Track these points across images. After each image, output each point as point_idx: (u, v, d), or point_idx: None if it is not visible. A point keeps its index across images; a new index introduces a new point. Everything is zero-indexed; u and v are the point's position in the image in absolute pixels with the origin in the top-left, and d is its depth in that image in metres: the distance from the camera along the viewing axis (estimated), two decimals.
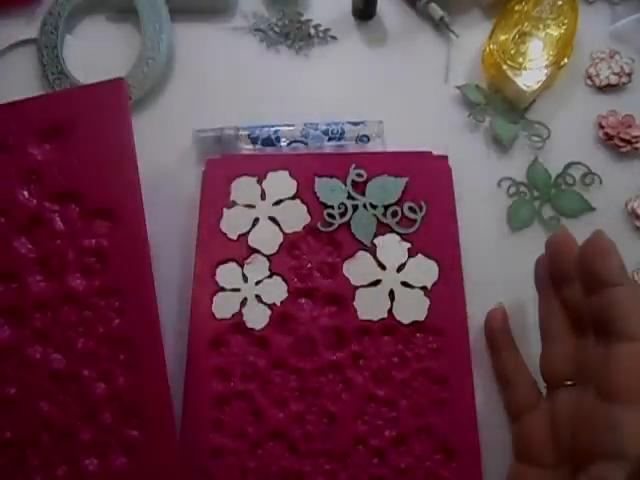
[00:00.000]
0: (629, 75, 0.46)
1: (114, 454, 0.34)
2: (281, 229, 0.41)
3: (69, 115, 0.38)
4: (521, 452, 0.33)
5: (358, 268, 0.40)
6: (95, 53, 0.50)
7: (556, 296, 0.32)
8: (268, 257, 0.40)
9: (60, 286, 0.36)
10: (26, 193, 0.38)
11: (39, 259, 0.37)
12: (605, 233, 0.30)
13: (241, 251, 0.40)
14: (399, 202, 0.41)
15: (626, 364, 0.26)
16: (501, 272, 0.41)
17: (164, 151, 0.45)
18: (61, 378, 0.35)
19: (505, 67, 0.44)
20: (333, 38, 0.49)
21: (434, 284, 0.39)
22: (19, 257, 0.37)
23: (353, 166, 0.42)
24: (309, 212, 0.41)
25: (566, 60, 0.45)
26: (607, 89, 0.46)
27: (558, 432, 0.30)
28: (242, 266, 0.40)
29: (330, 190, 0.41)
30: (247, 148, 0.45)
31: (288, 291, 0.39)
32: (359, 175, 0.42)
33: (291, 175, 0.42)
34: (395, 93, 0.47)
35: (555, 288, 0.32)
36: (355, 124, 0.44)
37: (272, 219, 0.41)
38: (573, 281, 0.31)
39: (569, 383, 0.31)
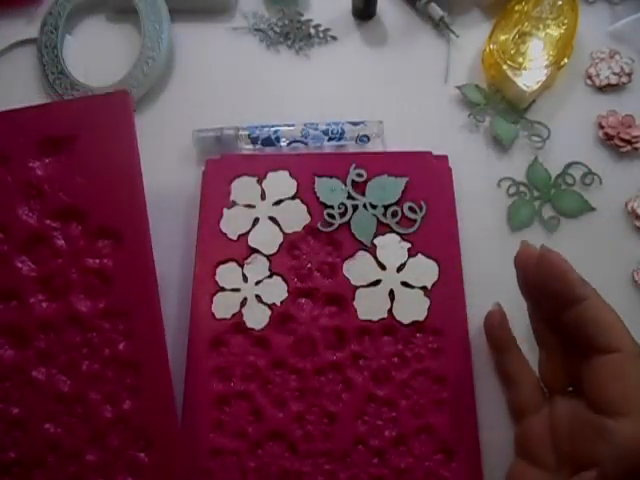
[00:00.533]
0: (629, 75, 0.46)
1: (121, 476, 0.33)
2: (281, 229, 0.41)
3: (71, 127, 0.37)
4: (523, 451, 0.33)
5: (358, 268, 0.40)
6: (95, 53, 0.50)
7: (538, 307, 0.32)
8: (268, 257, 0.40)
9: (64, 307, 0.35)
10: (26, 209, 0.36)
11: (41, 278, 0.36)
12: (528, 242, 0.30)
13: (241, 251, 0.40)
14: (399, 202, 0.41)
15: (609, 376, 0.27)
16: (501, 272, 0.41)
17: (164, 151, 0.45)
18: (66, 400, 0.34)
19: (505, 67, 0.44)
20: (333, 38, 0.49)
21: (434, 284, 0.39)
22: (20, 276, 0.35)
23: (353, 166, 0.42)
24: (309, 212, 0.41)
25: (566, 60, 0.45)
26: (607, 89, 0.46)
27: (558, 437, 0.30)
28: (242, 266, 0.40)
29: (330, 190, 0.41)
30: (247, 148, 0.45)
31: (288, 291, 0.39)
32: (359, 175, 0.42)
33: (291, 175, 0.42)
34: (395, 93, 0.47)
35: (534, 304, 0.32)
36: (355, 124, 0.44)
37: (272, 219, 0.41)
38: (543, 300, 0.30)
39: (570, 389, 0.31)
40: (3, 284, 0.36)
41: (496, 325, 0.36)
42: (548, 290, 0.28)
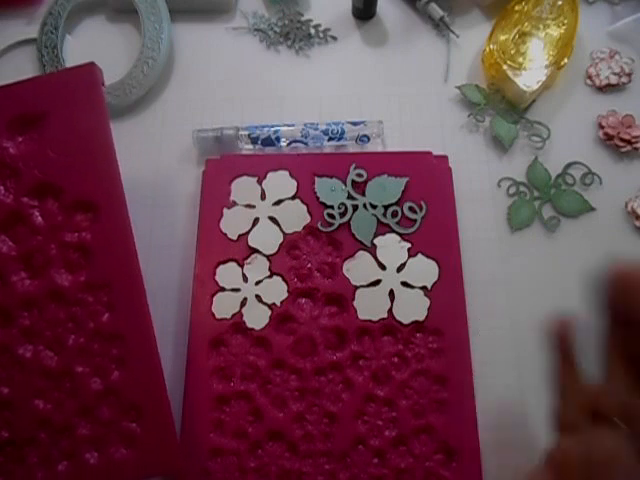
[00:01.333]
0: (629, 75, 0.46)
1: (114, 447, 0.33)
2: (281, 229, 0.41)
3: (41, 104, 0.36)
4: (549, 466, 0.29)
5: (358, 268, 0.40)
6: (95, 53, 0.49)
7: (620, 332, 0.27)
8: (268, 257, 0.40)
9: (45, 283, 0.35)
10: (2, 189, 0.36)
11: (21, 257, 0.36)
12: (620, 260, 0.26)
13: (241, 251, 0.40)
14: (399, 202, 0.41)
15: None
16: (501, 272, 0.41)
17: (164, 151, 0.45)
18: (54, 375, 0.34)
19: (505, 67, 0.44)
20: (333, 38, 0.49)
21: (434, 284, 0.39)
22: (0, 256, 0.36)
23: (353, 166, 0.42)
24: (309, 212, 0.41)
25: (566, 60, 0.45)
26: (607, 89, 0.46)
27: (590, 467, 0.27)
28: (242, 266, 0.40)
29: (330, 190, 0.41)
30: (247, 148, 0.45)
31: (288, 291, 0.39)
32: (359, 175, 0.42)
33: (291, 175, 0.42)
34: (395, 93, 0.47)
35: (620, 325, 0.27)
36: (355, 124, 0.44)
37: (272, 219, 0.41)
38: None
39: (617, 421, 0.27)
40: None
41: (566, 334, 0.31)
42: None
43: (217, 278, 0.40)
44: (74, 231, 0.36)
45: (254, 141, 0.44)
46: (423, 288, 0.39)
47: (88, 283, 0.35)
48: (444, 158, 0.43)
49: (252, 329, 0.38)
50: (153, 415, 0.33)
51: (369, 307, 0.39)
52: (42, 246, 0.36)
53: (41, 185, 0.36)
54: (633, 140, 0.43)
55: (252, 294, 0.39)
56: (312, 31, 0.49)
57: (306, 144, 0.45)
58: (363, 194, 0.41)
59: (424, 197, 0.41)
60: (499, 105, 0.46)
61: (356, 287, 0.39)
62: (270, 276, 0.40)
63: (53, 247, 0.36)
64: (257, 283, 0.40)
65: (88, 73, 0.37)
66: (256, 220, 0.41)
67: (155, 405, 0.34)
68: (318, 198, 0.41)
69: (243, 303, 0.39)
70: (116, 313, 0.35)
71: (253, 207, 0.41)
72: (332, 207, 0.41)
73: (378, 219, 0.41)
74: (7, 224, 0.36)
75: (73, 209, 0.36)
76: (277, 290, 0.39)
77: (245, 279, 0.40)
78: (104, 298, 0.35)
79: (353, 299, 0.39)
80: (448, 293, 0.39)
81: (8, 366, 0.35)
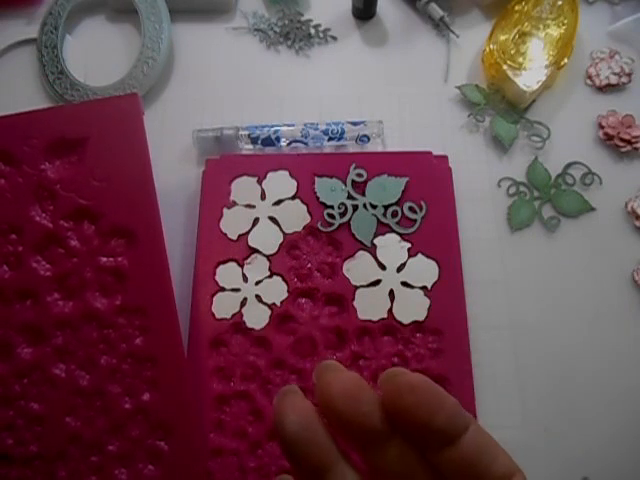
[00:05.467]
0: (629, 75, 0.46)
1: (142, 463, 0.34)
2: (281, 229, 0.41)
3: (82, 130, 0.37)
4: None
5: (358, 268, 0.40)
6: (95, 53, 0.50)
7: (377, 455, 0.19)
8: (268, 257, 0.40)
9: (80, 305, 0.36)
10: (39, 210, 0.37)
11: (56, 278, 0.36)
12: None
13: (241, 251, 0.40)
14: (399, 202, 0.41)
15: None
16: (501, 272, 0.41)
17: (164, 151, 0.45)
18: (85, 394, 0.35)
19: (505, 67, 0.44)
20: (333, 38, 0.49)
21: (434, 284, 0.39)
22: (36, 276, 0.36)
23: (353, 166, 0.42)
24: (309, 212, 0.41)
25: (566, 60, 0.45)
26: (607, 89, 0.46)
27: None
28: (242, 266, 0.40)
29: (330, 190, 0.41)
30: (247, 148, 0.45)
31: (288, 291, 0.39)
32: (359, 175, 0.42)
33: (291, 175, 0.42)
34: (395, 93, 0.47)
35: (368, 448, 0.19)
36: (355, 124, 0.44)
37: (272, 219, 0.41)
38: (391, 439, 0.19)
39: None
40: (19, 284, 0.36)
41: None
42: (431, 428, 0.18)
43: (217, 278, 0.40)
44: (110, 256, 0.37)
45: (254, 141, 0.44)
46: (423, 288, 0.39)
47: (122, 307, 0.36)
48: (444, 158, 0.43)
49: (252, 329, 0.38)
50: (181, 434, 0.34)
51: (369, 307, 0.39)
52: (77, 268, 0.36)
53: (78, 209, 0.37)
54: (633, 140, 0.43)
55: (252, 294, 0.39)
56: (312, 31, 0.49)
57: (306, 144, 0.45)
58: (363, 194, 0.41)
59: (424, 197, 0.41)
60: (499, 105, 0.46)
61: (356, 287, 0.39)
62: (270, 276, 0.40)
63: (89, 270, 0.36)
64: (257, 283, 0.39)
65: (130, 102, 0.38)
66: (256, 220, 0.41)
67: (184, 425, 0.34)
68: (318, 198, 0.41)
69: (243, 303, 0.39)
70: (149, 336, 0.35)
71: (253, 207, 0.41)
72: (332, 207, 0.41)
73: (378, 219, 0.41)
74: (43, 245, 0.37)
75: (109, 234, 0.37)
76: (277, 290, 0.39)
77: (245, 279, 0.40)
78: (137, 322, 0.36)
79: (353, 299, 0.39)
80: (448, 293, 0.39)
81: (40, 383, 0.35)
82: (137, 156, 0.37)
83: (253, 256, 0.40)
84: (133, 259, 0.36)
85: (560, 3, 0.46)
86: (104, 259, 0.36)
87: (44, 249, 0.37)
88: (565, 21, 0.46)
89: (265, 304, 0.39)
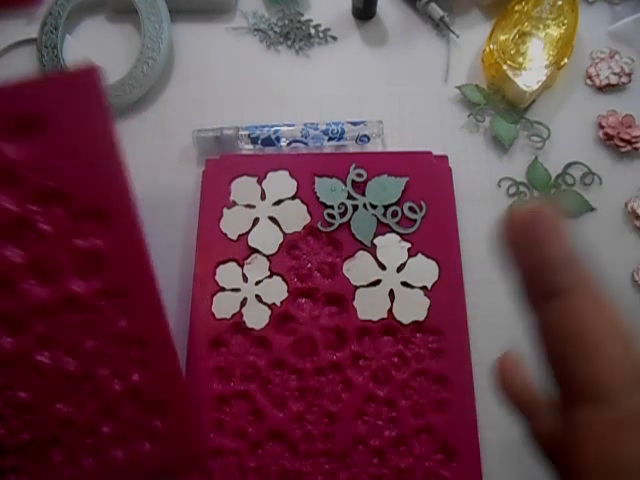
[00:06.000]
0: (629, 75, 0.46)
1: (138, 442, 0.34)
2: (281, 229, 0.41)
3: (42, 106, 0.35)
4: None
5: (358, 268, 0.40)
6: (95, 53, 0.50)
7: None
8: (268, 257, 0.40)
9: (59, 290, 0.35)
10: (3, 195, 0.35)
11: (30, 264, 0.35)
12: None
13: (241, 251, 0.40)
14: (399, 202, 0.41)
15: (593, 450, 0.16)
16: (501, 272, 0.41)
17: (164, 151, 0.45)
18: (74, 379, 0.35)
19: (505, 67, 0.44)
20: (333, 38, 0.49)
21: (434, 284, 0.39)
22: (7, 263, 0.35)
23: (353, 166, 0.42)
24: (309, 212, 0.41)
25: (566, 60, 0.45)
26: (607, 89, 0.46)
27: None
28: (242, 266, 0.40)
29: (330, 190, 0.41)
30: (247, 148, 0.45)
31: (288, 291, 0.39)
32: (359, 175, 0.42)
33: (291, 175, 0.42)
34: (395, 93, 0.47)
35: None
36: (355, 124, 0.44)
37: (272, 219, 0.41)
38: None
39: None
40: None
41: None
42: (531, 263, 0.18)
43: (217, 278, 0.40)
44: (84, 237, 0.35)
45: (254, 141, 0.44)
46: (423, 288, 0.39)
47: (103, 289, 0.35)
48: (444, 158, 0.43)
49: (252, 329, 0.38)
50: (174, 410, 0.34)
51: (369, 307, 0.39)
52: (52, 253, 0.35)
53: (45, 191, 0.35)
54: (633, 140, 0.43)
55: (252, 294, 0.39)
56: (312, 31, 0.49)
57: (306, 144, 0.45)
58: (363, 194, 0.41)
59: (424, 197, 0.41)
60: (499, 105, 0.46)
61: (356, 287, 0.39)
62: (270, 276, 0.40)
63: (63, 254, 0.35)
64: (257, 283, 0.40)
65: (88, 74, 0.36)
66: (256, 220, 0.41)
67: (176, 401, 0.34)
68: (318, 198, 0.41)
69: (243, 303, 0.39)
70: (133, 317, 0.35)
71: (253, 207, 0.41)
72: (332, 207, 0.41)
73: (378, 219, 0.41)
74: (12, 232, 0.35)
75: (82, 215, 0.35)
76: (277, 290, 0.39)
77: (245, 279, 0.40)
78: (119, 303, 0.35)
79: (353, 299, 0.39)
80: (448, 293, 0.39)
81: (26, 372, 0.35)
82: (101, 130, 0.35)
83: (253, 256, 0.40)
84: (109, 239, 0.35)
85: (560, 3, 0.46)
86: (79, 241, 0.35)
87: (13, 235, 0.35)
88: (565, 21, 0.46)
89: (265, 304, 0.39)
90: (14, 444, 0.34)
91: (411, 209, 0.41)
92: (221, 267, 0.40)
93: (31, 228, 0.35)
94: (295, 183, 0.42)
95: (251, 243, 0.40)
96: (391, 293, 0.39)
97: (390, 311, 0.38)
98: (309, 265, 0.40)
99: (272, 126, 0.44)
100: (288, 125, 0.44)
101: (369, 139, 0.44)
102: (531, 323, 0.19)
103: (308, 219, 0.41)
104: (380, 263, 0.40)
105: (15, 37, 0.50)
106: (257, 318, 0.39)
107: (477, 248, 0.41)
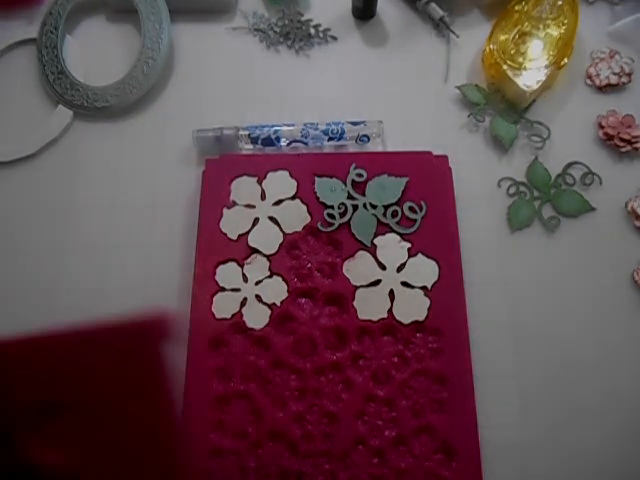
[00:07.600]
0: (629, 75, 0.46)
1: None
2: (281, 229, 0.41)
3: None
4: None
5: (358, 268, 0.40)
6: (95, 53, 0.50)
7: None
8: (268, 257, 0.40)
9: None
10: None
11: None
12: None
13: (241, 251, 0.40)
14: (399, 202, 0.41)
15: None
16: (501, 272, 0.41)
17: (164, 151, 0.45)
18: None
19: (505, 67, 0.44)
20: (333, 38, 0.49)
21: (434, 284, 0.39)
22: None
23: (353, 166, 0.42)
24: (309, 212, 0.41)
25: (566, 60, 0.45)
26: (607, 89, 0.46)
27: None
28: (242, 266, 0.40)
29: (330, 190, 0.41)
30: (247, 148, 0.45)
31: (288, 291, 0.39)
32: (359, 175, 0.42)
33: (291, 175, 0.42)
34: (395, 93, 0.47)
35: None
36: (355, 124, 0.44)
37: (272, 219, 0.41)
38: None
39: None
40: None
41: None
42: None
43: (217, 278, 0.40)
44: None
45: (254, 141, 0.44)
46: (423, 288, 0.39)
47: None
48: (444, 158, 0.43)
49: (252, 329, 0.38)
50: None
51: (369, 307, 0.39)
52: None
53: None
54: (633, 140, 0.43)
55: (252, 294, 0.39)
56: (312, 31, 0.49)
57: (306, 144, 0.45)
58: (363, 194, 0.41)
59: (424, 197, 0.41)
60: (499, 105, 0.46)
61: (356, 287, 0.39)
62: (270, 276, 0.40)
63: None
64: (257, 283, 0.39)
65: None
66: (256, 220, 0.41)
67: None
68: (318, 198, 0.41)
69: (243, 303, 0.39)
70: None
71: (253, 207, 0.41)
72: (332, 207, 0.41)
73: (378, 219, 0.41)
74: None
75: None
76: (277, 290, 0.39)
77: (245, 279, 0.40)
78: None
79: (353, 299, 0.39)
80: (448, 293, 0.39)
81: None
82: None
83: (253, 256, 0.40)
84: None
85: (560, 3, 0.46)
86: None
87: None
88: (565, 21, 0.46)
89: (265, 304, 0.39)
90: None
91: (411, 209, 0.41)
92: (221, 267, 0.40)
93: None
94: (295, 183, 0.42)
95: (251, 243, 0.40)
96: (391, 293, 0.39)
97: (390, 311, 0.38)
98: (309, 265, 0.40)
99: (272, 126, 0.44)
100: (288, 125, 0.44)
101: (369, 139, 0.45)
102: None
103: (308, 219, 0.41)
104: (380, 263, 0.40)
105: (15, 37, 0.50)
106: (257, 318, 0.39)
107: (477, 248, 0.41)
